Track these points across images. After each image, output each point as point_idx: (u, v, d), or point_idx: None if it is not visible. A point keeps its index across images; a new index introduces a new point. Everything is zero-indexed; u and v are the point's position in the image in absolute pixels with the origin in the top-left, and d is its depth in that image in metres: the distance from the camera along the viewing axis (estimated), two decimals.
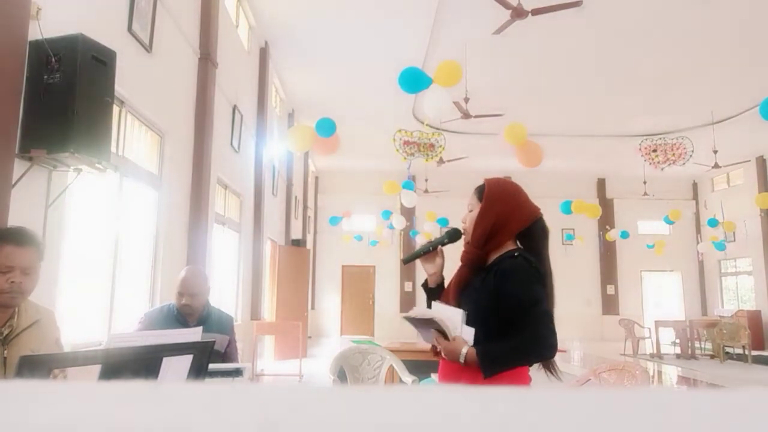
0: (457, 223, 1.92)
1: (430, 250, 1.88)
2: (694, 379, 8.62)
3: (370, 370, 3.86)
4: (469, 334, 1.64)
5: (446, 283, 1.91)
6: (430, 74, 5.75)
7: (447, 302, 1.79)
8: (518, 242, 1.79)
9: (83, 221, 3.85)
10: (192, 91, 5.92)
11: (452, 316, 1.67)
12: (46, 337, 1.87)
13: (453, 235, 1.88)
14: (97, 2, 3.89)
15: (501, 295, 1.66)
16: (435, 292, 1.89)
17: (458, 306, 1.73)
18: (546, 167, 9.10)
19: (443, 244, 1.89)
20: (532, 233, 1.77)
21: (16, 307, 1.80)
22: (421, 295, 1.97)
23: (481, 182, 1.86)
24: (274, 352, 9.62)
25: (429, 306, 1.88)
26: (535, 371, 1.76)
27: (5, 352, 1.73)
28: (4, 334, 1.75)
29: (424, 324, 1.74)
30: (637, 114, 11.53)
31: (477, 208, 1.79)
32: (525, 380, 1.71)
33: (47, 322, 1.92)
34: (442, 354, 1.70)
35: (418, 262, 1.96)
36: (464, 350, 1.62)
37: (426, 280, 1.93)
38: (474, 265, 1.78)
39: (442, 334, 1.67)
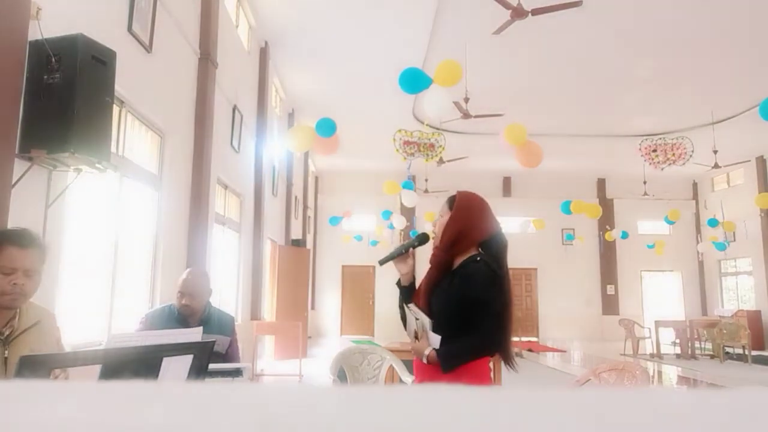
0: None
1: (403, 253, 2.08)
2: (694, 379, 8.62)
3: (370, 370, 3.86)
4: (435, 340, 1.90)
5: (417, 283, 2.14)
6: (430, 74, 5.75)
7: (418, 302, 2.03)
8: (480, 250, 2.00)
9: (83, 221, 3.85)
10: (192, 91, 5.92)
11: (424, 322, 1.94)
12: (46, 337, 1.88)
13: (422, 239, 2.12)
14: (97, 2, 3.89)
15: (463, 294, 1.88)
16: (407, 290, 2.11)
17: (428, 306, 1.97)
18: (546, 167, 9.09)
19: (414, 247, 2.11)
20: (493, 243, 1.99)
21: (17, 309, 1.80)
22: None
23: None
24: (274, 352, 9.62)
25: (403, 303, 2.12)
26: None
27: (6, 352, 1.73)
28: (5, 335, 1.75)
29: (412, 320, 2.01)
30: (637, 114, 11.53)
31: (447, 215, 2.00)
32: (484, 371, 1.96)
33: (48, 323, 1.92)
34: (412, 351, 2.00)
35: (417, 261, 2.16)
36: (427, 351, 1.90)
37: (399, 280, 2.14)
38: (441, 267, 1.99)
39: (416, 334, 1.97)
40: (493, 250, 1.98)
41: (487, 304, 1.86)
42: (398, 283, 2.14)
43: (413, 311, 1.98)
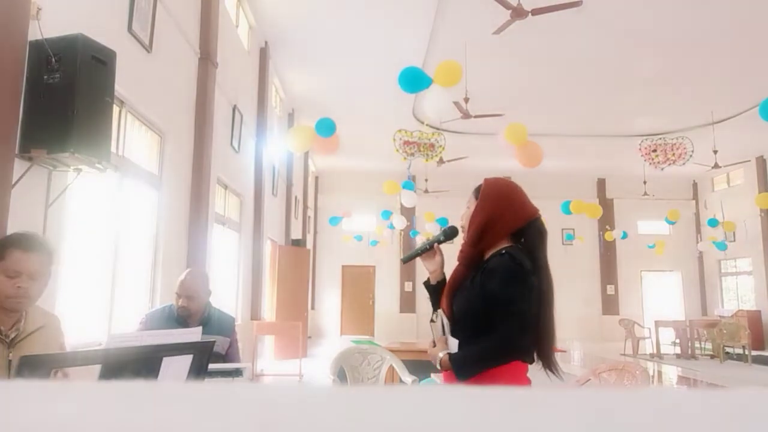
0: (456, 223, 1.95)
1: (428, 249, 1.92)
2: (694, 379, 8.62)
3: (370, 370, 3.86)
4: (453, 344, 1.73)
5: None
6: (430, 74, 5.75)
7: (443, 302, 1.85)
8: (513, 241, 1.81)
9: (83, 221, 3.85)
10: (192, 91, 5.92)
11: (444, 324, 1.79)
12: (51, 341, 1.89)
13: (450, 233, 1.92)
14: (97, 2, 3.89)
15: (483, 294, 1.69)
16: (436, 288, 1.93)
17: (450, 304, 1.80)
18: (546, 167, 9.08)
19: (440, 242, 1.93)
20: (526, 234, 1.79)
21: (22, 312, 1.80)
22: (421, 295, 2.01)
23: (478, 183, 1.89)
24: (274, 352, 9.62)
25: (433, 303, 1.93)
26: (536, 371, 1.78)
27: (10, 355, 1.74)
28: (10, 338, 1.75)
29: (439, 323, 1.83)
30: (637, 114, 11.53)
31: (474, 206, 1.83)
32: (522, 381, 1.73)
33: (52, 327, 1.93)
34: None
35: (419, 261, 2.00)
36: (440, 355, 1.72)
37: (428, 278, 1.96)
38: (468, 263, 1.81)
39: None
40: (526, 242, 1.78)
41: (508, 303, 1.64)
42: (426, 283, 1.97)
43: (437, 314, 1.82)
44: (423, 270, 1.99)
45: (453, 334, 1.75)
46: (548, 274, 1.79)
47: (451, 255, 1.92)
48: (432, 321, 1.83)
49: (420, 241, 13.10)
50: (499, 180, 1.87)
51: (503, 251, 1.74)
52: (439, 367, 1.73)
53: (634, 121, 11.87)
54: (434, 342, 1.79)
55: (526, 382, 1.74)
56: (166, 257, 5.10)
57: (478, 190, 1.84)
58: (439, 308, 1.86)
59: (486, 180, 1.86)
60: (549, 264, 1.81)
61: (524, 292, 1.68)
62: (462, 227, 1.87)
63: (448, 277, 1.91)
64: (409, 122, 10.65)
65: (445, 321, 1.77)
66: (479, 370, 1.66)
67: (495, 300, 1.66)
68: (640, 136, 10.49)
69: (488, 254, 1.78)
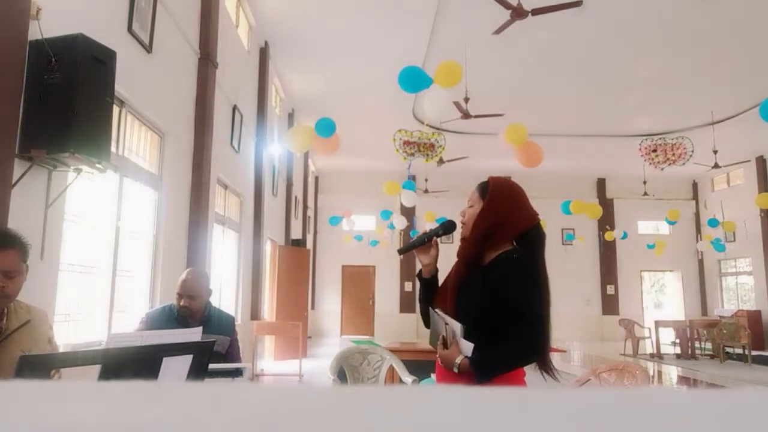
0: (458, 221, 1.93)
1: (425, 241, 1.89)
2: (694, 379, 8.62)
3: (370, 370, 3.86)
4: (467, 348, 1.68)
5: (441, 277, 1.94)
6: (430, 74, 5.75)
7: (444, 299, 1.82)
8: (514, 244, 1.81)
9: (83, 221, 3.85)
10: (192, 91, 5.92)
11: (455, 327, 1.72)
12: (38, 337, 1.86)
13: (447, 227, 1.91)
14: (97, 2, 3.89)
15: (500, 296, 1.68)
16: (429, 282, 1.92)
17: (457, 305, 1.76)
18: (546, 167, 9.08)
19: (438, 236, 1.90)
20: (529, 238, 1.79)
21: (4, 309, 1.78)
22: None
23: (481, 181, 1.86)
24: (274, 352, 9.62)
25: (424, 296, 1.93)
26: (531, 372, 1.77)
27: None
28: None
29: (440, 325, 1.79)
30: (637, 114, 11.53)
31: (478, 204, 1.79)
32: (520, 380, 1.74)
33: (39, 322, 1.90)
34: (439, 360, 1.77)
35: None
36: (458, 360, 1.68)
37: (420, 271, 1.95)
38: (470, 262, 1.79)
39: (445, 341, 1.74)
40: (528, 246, 1.77)
41: (527, 308, 1.66)
42: (419, 275, 1.96)
43: (441, 316, 1.78)
44: (443, 266, 1.95)
45: (467, 337, 1.70)
46: (546, 277, 1.78)
47: (448, 252, 1.90)
48: (446, 324, 1.75)
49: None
50: (505, 181, 1.84)
51: (514, 254, 1.74)
52: (455, 371, 1.69)
53: (634, 121, 11.88)
54: (444, 344, 1.74)
55: (523, 380, 1.77)
56: (166, 257, 5.10)
57: (483, 189, 1.80)
58: (437, 307, 1.83)
59: (492, 180, 1.83)
60: (546, 267, 1.80)
61: (542, 297, 1.71)
62: (462, 223, 1.84)
63: (443, 274, 1.91)
64: (409, 122, 10.65)
65: (456, 324, 1.72)
66: (500, 373, 1.68)
67: (513, 306, 1.66)
68: (640, 136, 10.49)
69: (490, 255, 1.77)
